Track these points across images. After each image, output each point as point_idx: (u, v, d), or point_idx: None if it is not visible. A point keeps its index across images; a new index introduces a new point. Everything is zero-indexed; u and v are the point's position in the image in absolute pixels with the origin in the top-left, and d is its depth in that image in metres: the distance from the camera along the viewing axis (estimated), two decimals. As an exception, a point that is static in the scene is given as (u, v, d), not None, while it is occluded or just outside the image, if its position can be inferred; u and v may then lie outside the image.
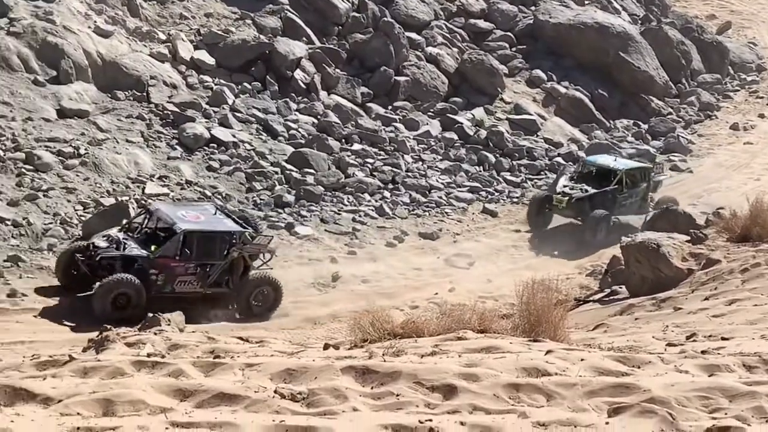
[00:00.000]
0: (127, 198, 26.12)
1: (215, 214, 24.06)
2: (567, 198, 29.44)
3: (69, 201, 25.74)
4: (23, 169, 25.97)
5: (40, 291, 22.73)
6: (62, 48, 29.57)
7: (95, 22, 31.62)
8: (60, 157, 26.74)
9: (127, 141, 28.44)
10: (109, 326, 15.43)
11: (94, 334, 14.07)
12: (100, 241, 22.49)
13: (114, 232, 23.05)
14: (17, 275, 22.86)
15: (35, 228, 24.46)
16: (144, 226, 23.50)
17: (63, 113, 28.36)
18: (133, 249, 22.40)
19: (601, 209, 29.26)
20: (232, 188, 28.33)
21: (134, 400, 8.95)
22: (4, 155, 26.09)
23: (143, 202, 26.10)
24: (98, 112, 29.02)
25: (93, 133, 28.10)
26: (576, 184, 30.21)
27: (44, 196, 25.50)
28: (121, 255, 22.21)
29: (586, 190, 29.80)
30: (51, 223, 24.81)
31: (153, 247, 22.52)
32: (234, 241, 23.28)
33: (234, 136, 30.10)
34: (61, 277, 22.61)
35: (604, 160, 31.73)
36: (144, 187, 27.08)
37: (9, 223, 24.35)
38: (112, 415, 8.62)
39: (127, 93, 30.14)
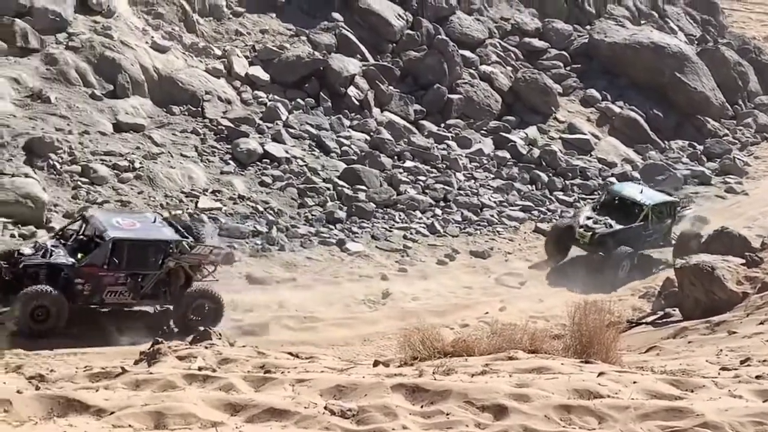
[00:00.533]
0: (180, 212, 26.25)
1: (154, 222, 22.89)
2: (591, 233, 28.11)
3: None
4: (79, 182, 26.23)
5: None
6: (119, 63, 29.86)
7: (152, 37, 31.89)
8: (115, 171, 26.97)
9: (182, 155, 28.61)
10: (159, 339, 15.58)
11: (146, 347, 14.22)
12: (26, 248, 21.45)
13: (46, 239, 22.39)
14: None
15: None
16: (79, 233, 22.20)
17: (119, 127, 28.62)
18: (60, 257, 21.07)
19: (625, 246, 28.10)
20: (284, 203, 28.38)
21: (185, 413, 9.00)
22: (61, 168, 26.36)
23: (196, 215, 26.24)
24: (153, 127, 29.25)
25: (148, 147, 28.32)
26: (600, 217, 28.86)
27: (98, 209, 25.69)
28: (45, 263, 20.88)
29: (611, 225, 28.44)
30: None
31: (80, 256, 21.23)
32: (171, 250, 21.98)
33: (287, 152, 30.19)
34: None
35: (631, 191, 30.22)
36: (197, 201, 27.20)
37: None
38: (163, 428, 8.68)
39: (182, 108, 30.36)
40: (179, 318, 21.83)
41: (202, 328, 18.11)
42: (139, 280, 21.59)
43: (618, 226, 28.39)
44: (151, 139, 28.70)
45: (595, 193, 33.14)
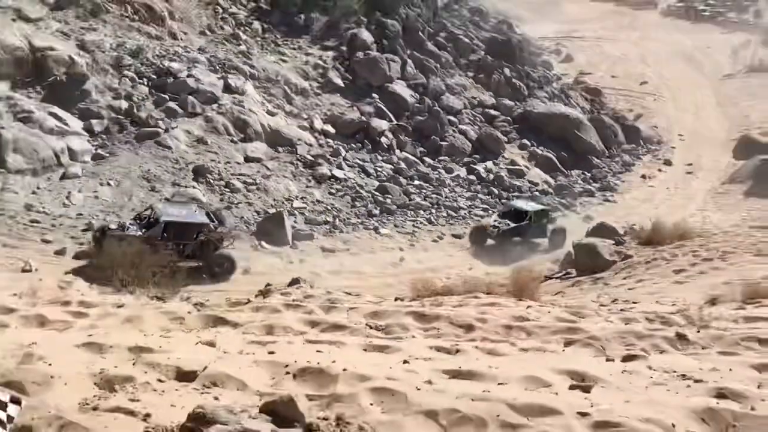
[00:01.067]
0: (282, 209, 26.37)
1: (195, 211, 22.40)
2: (497, 229, 27.81)
3: (249, 210, 26.07)
4: (224, 191, 26.39)
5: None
6: (248, 121, 29.94)
7: (267, 107, 32.00)
8: (245, 184, 27.07)
9: (283, 176, 28.67)
10: (270, 284, 15.61)
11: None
12: (112, 224, 21.28)
13: (128, 221, 21.88)
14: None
15: (230, 226, 24.76)
16: (148, 218, 21.72)
17: (247, 159, 28.71)
18: (132, 230, 20.89)
19: (517, 236, 27.98)
20: (342, 205, 28.39)
21: (285, 326, 9.08)
22: (213, 183, 26.53)
23: (287, 211, 26.33)
24: (267, 159, 29.33)
25: (264, 171, 28.42)
26: (502, 220, 28.28)
27: (235, 207, 25.82)
28: (121, 233, 20.56)
29: (509, 224, 27.94)
30: (238, 222, 25.14)
31: (144, 231, 20.94)
32: (204, 229, 21.69)
33: (345, 175, 30.12)
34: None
35: (521, 204, 29.52)
36: (292, 203, 27.29)
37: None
38: (272, 335, 8.73)
39: (283, 148, 30.36)
40: (208, 270, 21.44)
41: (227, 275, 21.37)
42: (181, 247, 21.28)
43: (513, 225, 27.93)
44: (266, 166, 28.80)
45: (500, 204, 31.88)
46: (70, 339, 7.45)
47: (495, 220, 28.56)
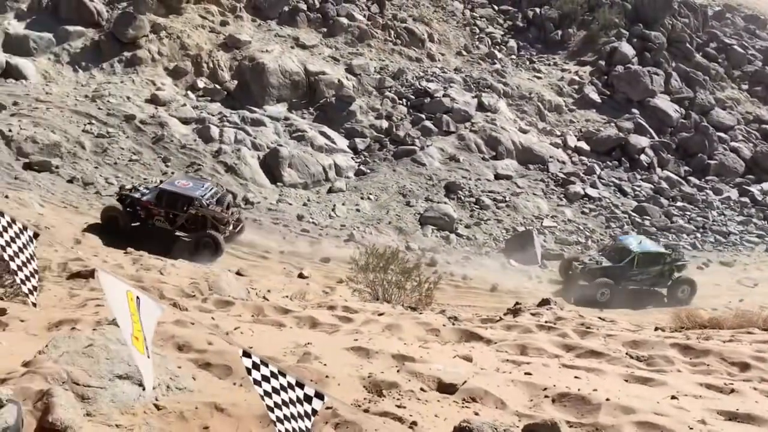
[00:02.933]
0: (531, 227, 26.09)
1: (202, 187, 21.69)
2: (582, 265, 22.70)
3: (498, 227, 26.13)
4: (473, 207, 26.78)
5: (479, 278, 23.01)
6: (499, 139, 30.13)
7: (519, 124, 31.96)
8: (494, 201, 27.23)
9: (533, 194, 28.36)
10: (519, 303, 15.43)
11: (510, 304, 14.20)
12: (125, 190, 21.81)
13: (143, 187, 22.06)
14: (467, 268, 23.54)
15: (478, 242, 25.06)
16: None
17: (497, 176, 28.86)
18: (137, 194, 21.23)
19: (607, 278, 22.12)
20: (596, 225, 27.35)
21: (539, 347, 8.93)
22: (464, 199, 27.05)
23: (537, 229, 25.96)
24: (517, 176, 29.24)
25: (514, 188, 28.35)
26: (600, 257, 23.11)
27: (484, 223, 26.08)
28: (128, 195, 21.12)
29: (600, 263, 22.65)
30: (487, 240, 25.32)
31: (146, 196, 21.15)
32: (195, 203, 20.75)
33: (599, 194, 29.01)
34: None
35: (629, 241, 23.59)
36: (542, 222, 26.89)
37: (464, 237, 25.22)
38: (526, 355, 8.63)
39: (534, 166, 30.06)
40: (194, 246, 20.67)
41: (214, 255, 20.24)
42: (171, 216, 21.01)
43: (605, 264, 22.58)
44: (516, 184, 28.72)
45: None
46: (339, 342, 8.02)
47: (590, 257, 23.53)
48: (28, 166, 23.35)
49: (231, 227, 21.61)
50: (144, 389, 4.61)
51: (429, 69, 33.62)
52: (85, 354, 4.60)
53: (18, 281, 3.30)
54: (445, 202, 26.53)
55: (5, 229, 3.27)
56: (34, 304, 3.59)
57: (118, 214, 21.00)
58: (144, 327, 2.97)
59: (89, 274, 11.03)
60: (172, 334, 6.77)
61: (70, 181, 23.48)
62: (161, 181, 22.72)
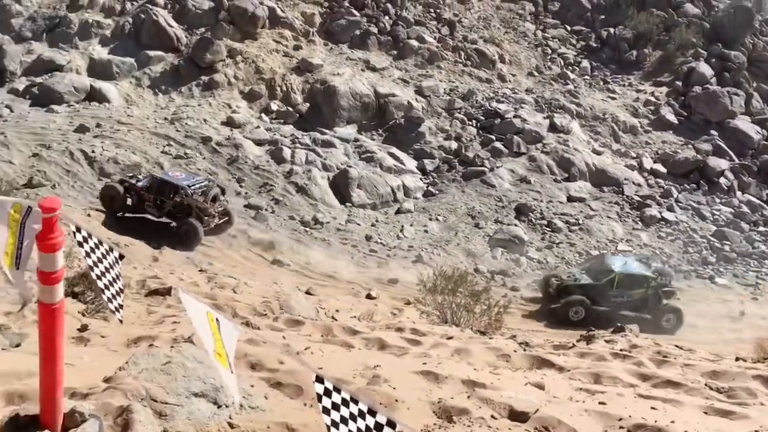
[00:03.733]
0: (605, 251, 25.48)
1: (193, 178, 23.16)
2: (558, 282, 21.55)
3: (570, 251, 25.66)
4: (545, 230, 26.38)
5: (531, 300, 22.66)
6: (572, 160, 29.69)
7: (592, 145, 31.42)
8: (567, 224, 26.77)
9: (608, 217, 27.77)
10: (592, 329, 15.08)
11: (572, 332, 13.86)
12: (125, 177, 23.23)
13: (141, 176, 23.60)
14: (538, 292, 23.13)
15: (550, 266, 24.64)
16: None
17: (570, 198, 28.39)
18: (131, 180, 22.72)
19: (584, 297, 20.81)
20: (673, 250, 26.52)
21: (613, 376, 8.68)
22: (535, 222, 26.69)
23: (611, 253, 25.30)
24: (591, 199, 28.70)
25: (587, 211, 27.83)
26: (581, 274, 21.77)
27: (556, 246, 25.65)
28: (126, 180, 22.70)
29: (578, 280, 21.36)
30: (559, 264, 24.89)
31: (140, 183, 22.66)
32: (180, 191, 21.92)
33: (676, 218, 28.17)
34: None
35: (613, 260, 22.14)
36: (616, 246, 26.26)
37: (535, 260, 24.83)
38: (600, 383, 8.41)
39: (608, 188, 29.44)
40: (177, 231, 21.96)
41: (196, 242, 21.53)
42: (159, 202, 22.14)
43: (583, 282, 21.30)
44: (589, 206, 28.18)
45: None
46: (408, 365, 7.99)
47: (570, 273, 22.21)
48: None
49: (216, 219, 22.62)
50: (219, 407, 4.70)
51: (499, 90, 33.48)
52: (163, 371, 4.73)
53: (105, 299, 3.44)
54: (516, 225, 26.24)
55: (93, 250, 3.41)
56: (121, 321, 3.74)
57: (115, 194, 22.41)
58: (225, 346, 3.06)
59: (166, 292, 11.37)
60: (245, 352, 6.89)
61: (148, 201, 24.28)
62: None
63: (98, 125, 27.17)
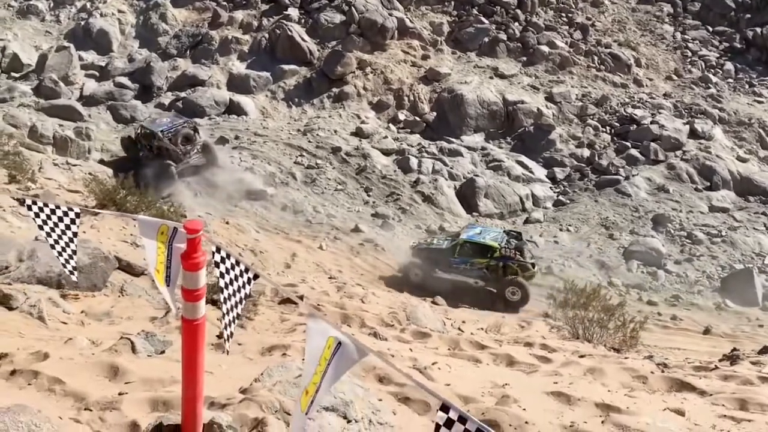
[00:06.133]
0: (751, 266, 23.76)
1: (171, 122, 25.85)
2: (416, 243, 21.99)
3: (712, 264, 24.13)
4: (684, 242, 24.96)
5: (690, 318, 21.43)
6: (714, 168, 28.03)
7: (737, 152, 29.51)
8: (708, 236, 25.22)
9: (754, 228, 25.92)
10: (737, 349, 14.06)
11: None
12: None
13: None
14: (676, 307, 21.99)
15: (689, 280, 23.34)
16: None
17: (712, 209, 26.77)
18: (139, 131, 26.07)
19: (432, 263, 20.56)
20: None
21: (761, 403, 8.02)
22: (674, 233, 25.34)
23: (758, 268, 23.58)
24: (735, 209, 26.93)
25: (731, 222, 26.11)
26: (439, 240, 21.58)
27: (696, 260, 24.23)
28: (138, 133, 26.00)
29: (431, 244, 21.27)
30: (699, 278, 23.50)
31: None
32: (156, 136, 24.81)
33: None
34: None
35: (468, 229, 21.87)
36: (764, 260, 24.42)
37: (673, 274, 23.59)
38: (746, 410, 7.81)
39: (754, 198, 27.53)
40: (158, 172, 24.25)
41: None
42: (148, 147, 25.18)
43: (437, 246, 21.08)
44: (733, 217, 26.43)
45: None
46: (538, 384, 7.77)
47: (437, 237, 22.38)
48: (246, 195, 25.41)
49: (192, 158, 25.13)
50: (348, 422, 4.75)
51: (635, 95, 32.15)
52: (295, 385, 4.85)
53: (223, 325, 3.56)
54: (653, 236, 25.03)
55: (228, 271, 3.53)
56: (227, 353, 3.87)
57: (129, 143, 25.99)
58: (329, 374, 3.01)
59: (299, 300, 11.69)
60: (374, 365, 6.94)
61: (282, 209, 25.19)
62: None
63: (236, 137, 28.52)
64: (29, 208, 3.82)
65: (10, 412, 3.13)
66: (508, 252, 20.36)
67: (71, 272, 3.98)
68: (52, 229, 3.79)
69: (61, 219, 3.79)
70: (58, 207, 3.82)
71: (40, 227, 3.82)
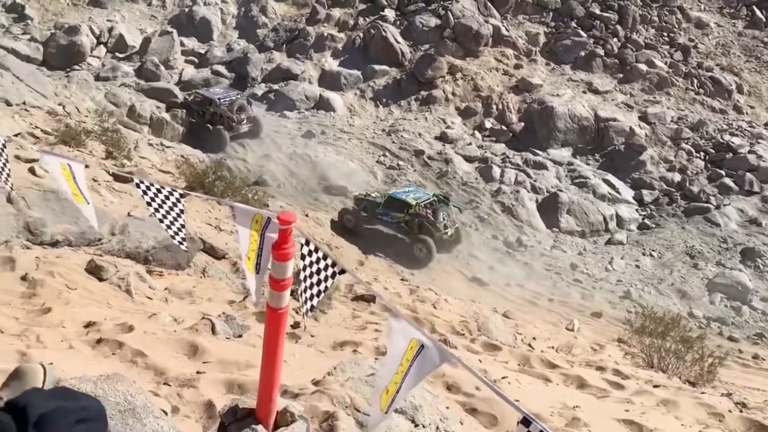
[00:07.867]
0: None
1: (228, 93, 28.35)
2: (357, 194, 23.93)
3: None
4: (775, 279, 23.83)
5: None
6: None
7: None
8: (801, 276, 23.99)
9: None
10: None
11: None
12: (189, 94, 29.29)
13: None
14: (759, 346, 20.97)
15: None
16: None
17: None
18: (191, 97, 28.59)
19: (365, 213, 22.51)
20: None
21: None
22: (763, 269, 24.14)
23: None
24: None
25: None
26: (377, 194, 23.30)
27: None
28: (192, 99, 28.33)
29: (368, 196, 23.16)
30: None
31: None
32: (213, 103, 27.18)
33: None
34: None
35: (403, 190, 23.52)
36: None
37: (759, 311, 22.49)
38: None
39: None
40: (210, 134, 27.06)
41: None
42: (201, 112, 27.53)
43: (371, 198, 22.92)
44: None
45: None
46: (609, 410, 7.58)
47: (377, 192, 24.17)
48: (327, 190, 25.77)
49: (242, 126, 27.40)
50: (416, 426, 4.76)
51: (734, 122, 30.89)
52: (367, 383, 4.88)
53: (302, 300, 3.66)
54: (740, 269, 23.95)
55: (312, 264, 3.60)
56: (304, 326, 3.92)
57: (186, 107, 27.86)
58: (411, 376, 3.01)
59: (371, 299, 11.77)
60: (443, 372, 6.92)
61: (361, 206, 25.39)
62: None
63: (323, 132, 28.94)
64: (138, 185, 4.04)
65: (110, 380, 3.28)
66: (421, 210, 21.61)
67: (180, 243, 4.29)
68: (160, 206, 4.04)
69: (167, 197, 4.03)
70: (163, 187, 4.04)
71: (149, 203, 4.06)
